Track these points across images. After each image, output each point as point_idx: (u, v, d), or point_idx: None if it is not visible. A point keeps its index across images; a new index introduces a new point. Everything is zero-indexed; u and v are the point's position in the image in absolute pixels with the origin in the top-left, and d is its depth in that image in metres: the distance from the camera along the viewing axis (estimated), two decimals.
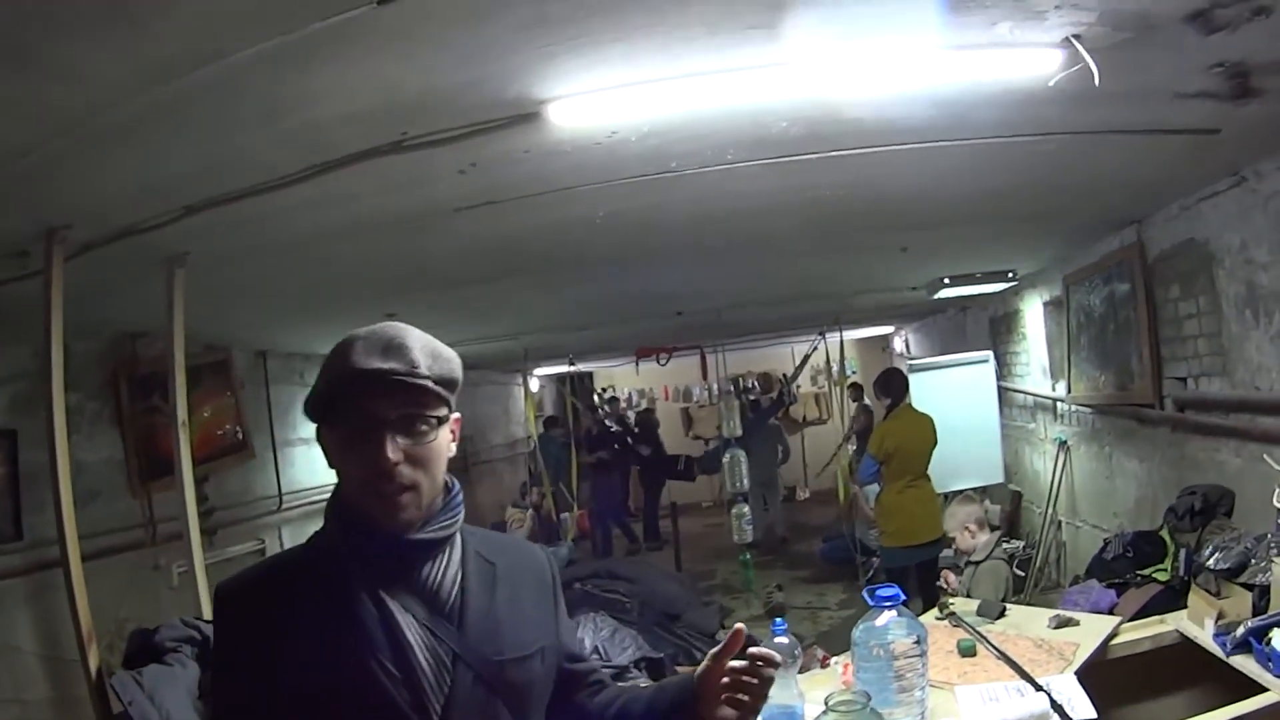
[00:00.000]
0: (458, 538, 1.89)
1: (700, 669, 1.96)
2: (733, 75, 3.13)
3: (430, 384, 1.75)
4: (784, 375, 15.11)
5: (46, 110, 2.82)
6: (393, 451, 1.69)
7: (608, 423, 16.19)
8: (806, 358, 13.82)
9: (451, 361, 1.85)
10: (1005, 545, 9.76)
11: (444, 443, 1.81)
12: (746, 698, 1.89)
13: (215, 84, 2.75)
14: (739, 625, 1.97)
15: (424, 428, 1.76)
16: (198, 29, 2.45)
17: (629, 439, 15.38)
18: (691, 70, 3.07)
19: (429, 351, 1.80)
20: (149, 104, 2.83)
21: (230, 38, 2.52)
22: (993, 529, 6.41)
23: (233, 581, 1.83)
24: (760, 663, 1.89)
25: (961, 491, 7.97)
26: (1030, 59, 3.18)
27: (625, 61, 2.96)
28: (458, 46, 2.77)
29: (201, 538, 5.36)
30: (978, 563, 6.09)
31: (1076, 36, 3.01)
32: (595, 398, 18.96)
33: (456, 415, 1.86)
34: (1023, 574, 9.24)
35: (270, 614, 1.73)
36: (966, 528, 6.24)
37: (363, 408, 1.71)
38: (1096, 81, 3.10)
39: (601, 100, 3.21)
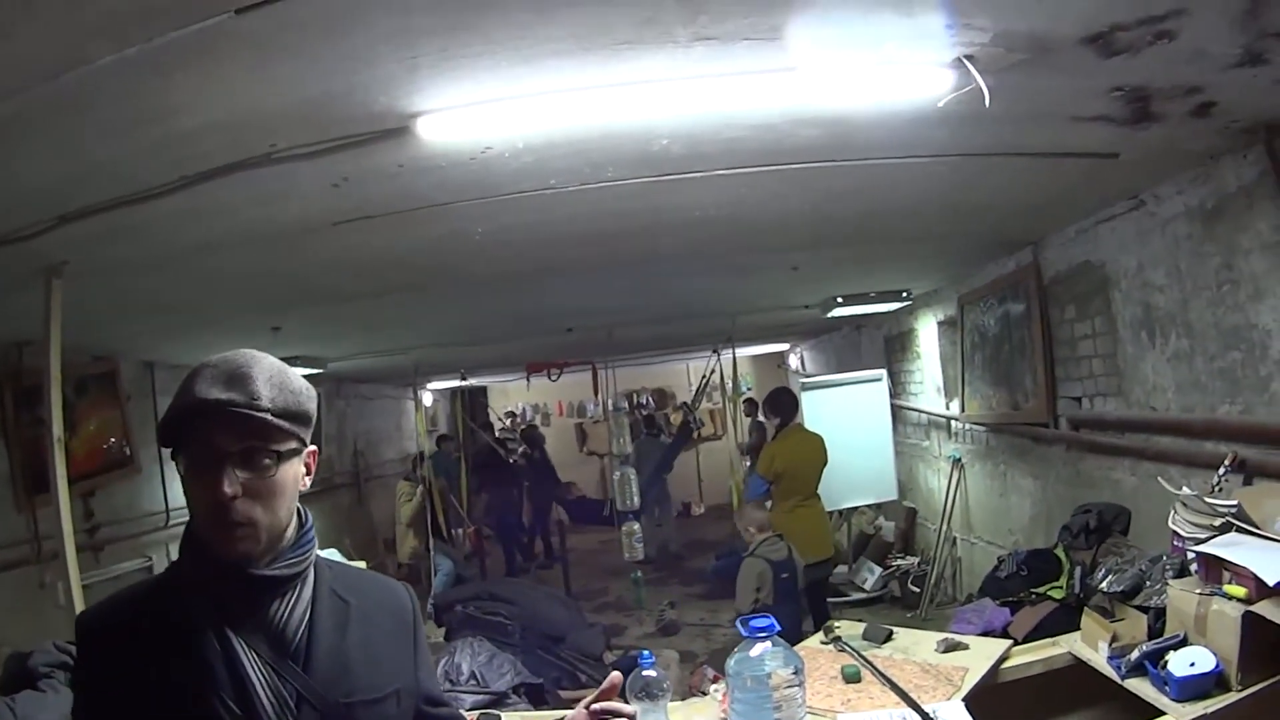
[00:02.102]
0: (310, 574, 1.82)
1: (569, 716, 1.94)
2: (608, 91, 3.05)
3: (270, 417, 1.67)
4: (685, 404, 15.04)
5: None
6: (229, 485, 1.62)
7: (502, 439, 16.10)
8: (705, 381, 13.82)
9: (299, 394, 1.77)
10: (899, 562, 9.88)
11: (289, 477, 1.74)
12: None
13: (81, 91, 2.65)
14: (615, 674, 2.00)
15: (266, 461, 1.68)
16: (59, 33, 2.35)
17: (513, 457, 15.21)
18: (563, 86, 2.99)
19: (276, 384, 1.72)
20: (12, 112, 2.72)
21: (92, 43, 2.40)
22: (765, 531, 6.85)
23: (89, 614, 1.78)
24: (611, 716, 1.90)
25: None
26: (920, 79, 3.09)
27: (493, 76, 2.86)
28: (321, 57, 2.67)
29: (88, 554, 5.13)
30: (744, 556, 6.84)
31: (969, 57, 2.93)
32: (491, 414, 18.92)
33: (311, 448, 1.82)
34: (918, 590, 9.32)
35: (120, 649, 1.68)
36: (749, 528, 6.91)
37: (204, 439, 1.65)
38: (988, 103, 3.03)
39: (471, 115, 3.12)
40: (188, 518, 1.74)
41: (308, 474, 1.80)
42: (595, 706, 1.90)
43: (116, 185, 3.51)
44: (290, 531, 1.76)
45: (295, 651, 1.72)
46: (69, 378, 4.95)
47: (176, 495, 8.21)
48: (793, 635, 4.66)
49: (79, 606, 4.30)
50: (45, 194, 3.53)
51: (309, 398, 1.79)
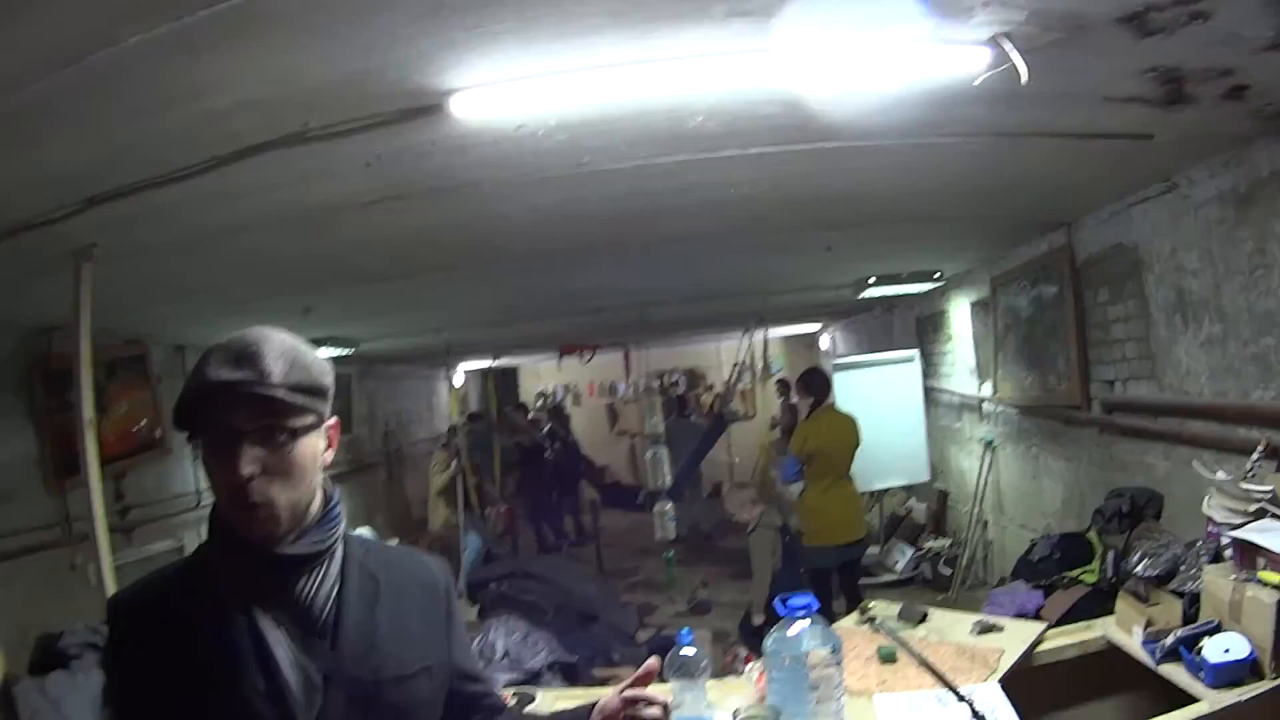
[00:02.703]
0: (338, 550, 1.82)
1: (602, 702, 1.95)
2: (641, 67, 3.03)
3: (283, 393, 1.67)
4: (720, 395, 14.95)
5: None
6: (246, 465, 1.63)
7: (535, 419, 16.13)
8: (737, 371, 13.76)
9: (312, 368, 1.76)
10: (931, 544, 9.87)
11: (308, 453, 1.73)
12: None
13: (109, 73, 2.64)
14: (652, 659, 2.02)
15: (283, 438, 1.68)
16: (88, 15, 2.35)
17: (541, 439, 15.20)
18: (597, 62, 2.97)
19: (288, 359, 1.71)
20: (43, 93, 2.72)
21: (121, 24, 2.41)
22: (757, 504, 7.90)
23: (121, 595, 1.81)
24: (643, 703, 1.92)
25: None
26: (956, 57, 3.08)
27: (526, 53, 2.86)
28: (353, 35, 2.67)
29: (119, 536, 5.17)
30: (750, 532, 7.91)
31: (1004, 35, 2.92)
32: (522, 396, 18.95)
33: (332, 421, 1.80)
34: (949, 572, 9.31)
35: (150, 629, 1.70)
36: (743, 507, 7.80)
37: (219, 420, 1.65)
38: (1024, 81, 3.01)
39: (505, 92, 3.09)
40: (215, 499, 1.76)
41: (329, 448, 1.80)
42: (629, 693, 1.93)
43: (146, 167, 3.51)
44: (315, 508, 1.77)
45: (322, 629, 1.74)
46: (99, 361, 4.98)
47: (207, 477, 8.39)
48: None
49: (110, 588, 4.36)
50: (74, 177, 3.54)
51: (323, 371, 1.78)
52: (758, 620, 8.16)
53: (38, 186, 3.57)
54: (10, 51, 2.48)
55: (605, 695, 1.96)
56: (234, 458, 1.62)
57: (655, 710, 1.90)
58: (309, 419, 1.72)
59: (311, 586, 1.75)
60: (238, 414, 1.64)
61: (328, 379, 1.78)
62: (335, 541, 1.80)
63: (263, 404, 1.65)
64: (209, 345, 1.70)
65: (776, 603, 2.98)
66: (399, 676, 1.80)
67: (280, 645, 1.68)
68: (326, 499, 1.81)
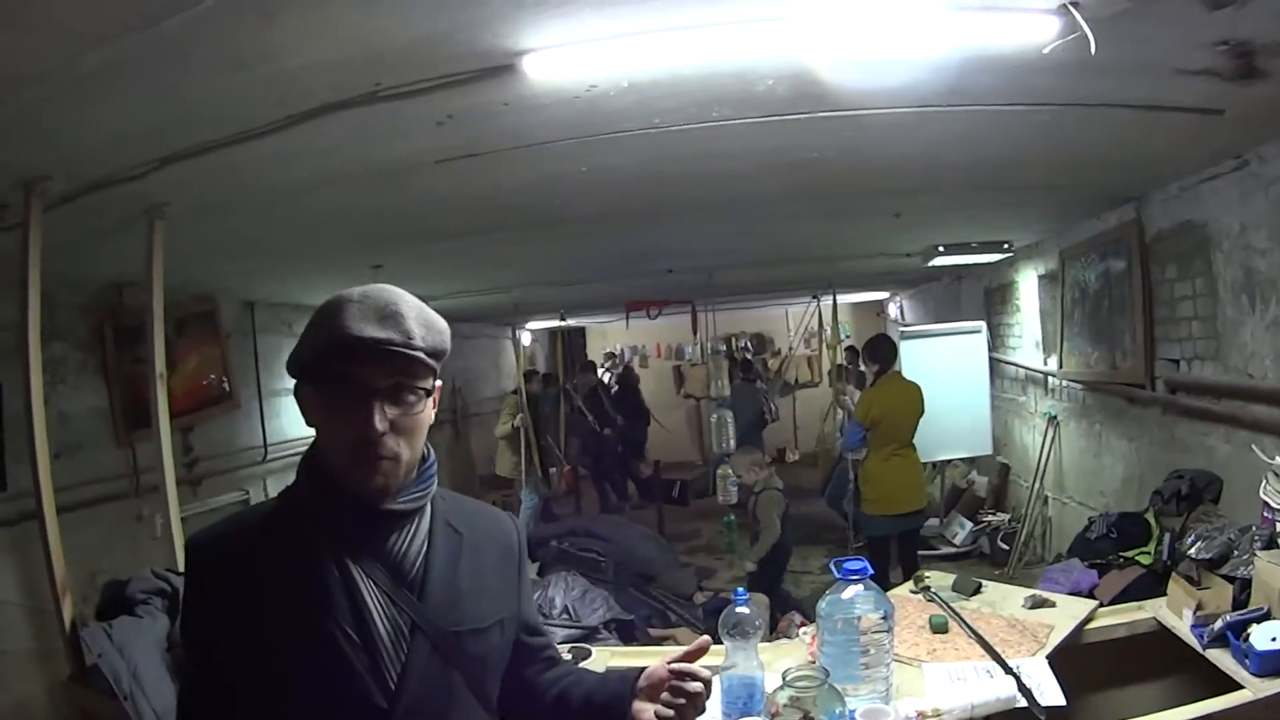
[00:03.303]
0: (428, 506, 1.89)
1: (650, 669, 2.00)
2: (713, 30, 3.04)
3: (423, 355, 1.75)
4: (765, 394, 14.76)
5: (16, 61, 2.76)
6: (380, 421, 1.69)
7: (604, 380, 16.19)
8: (803, 335, 13.58)
9: (443, 333, 1.84)
10: (990, 518, 9.84)
11: (429, 414, 1.82)
12: (676, 708, 1.92)
13: (184, 34, 2.68)
14: (704, 638, 2.06)
15: (412, 398, 1.75)
16: None
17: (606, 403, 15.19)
18: (668, 25, 2.99)
19: (423, 321, 1.78)
20: (119, 54, 2.76)
21: None
22: (761, 468, 8.27)
23: (203, 536, 1.83)
24: (688, 678, 1.94)
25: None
26: (1025, 24, 3.07)
27: (598, 14, 2.87)
28: None
29: (186, 488, 5.29)
30: (758, 493, 7.99)
31: (1074, 4, 2.90)
32: (590, 355, 18.99)
33: (438, 383, 1.85)
34: (1007, 547, 9.28)
35: (235, 572, 1.74)
36: (750, 470, 8.22)
37: (354, 374, 1.70)
38: (1093, 50, 2.99)
39: (577, 53, 3.12)
40: (308, 447, 1.83)
41: (434, 408, 1.84)
42: (677, 666, 1.96)
43: (218, 127, 3.56)
44: (415, 467, 1.83)
45: (411, 582, 1.80)
46: (169, 317, 5.06)
47: (275, 430, 8.56)
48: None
49: (178, 539, 4.50)
50: (147, 136, 3.59)
51: (449, 335, 1.85)
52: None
53: (113, 146, 3.64)
54: (88, 13, 2.53)
55: (653, 664, 2.01)
56: (367, 413, 1.68)
57: (698, 685, 1.93)
58: (434, 381, 1.81)
59: (404, 541, 1.82)
60: (374, 371, 1.70)
61: (449, 343, 1.85)
62: (428, 499, 1.87)
63: (401, 363, 1.71)
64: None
65: (832, 563, 3.03)
66: (477, 629, 1.87)
67: (371, 595, 1.74)
68: (423, 458, 1.86)
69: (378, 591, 1.75)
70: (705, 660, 2.02)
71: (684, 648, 2.01)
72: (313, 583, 1.71)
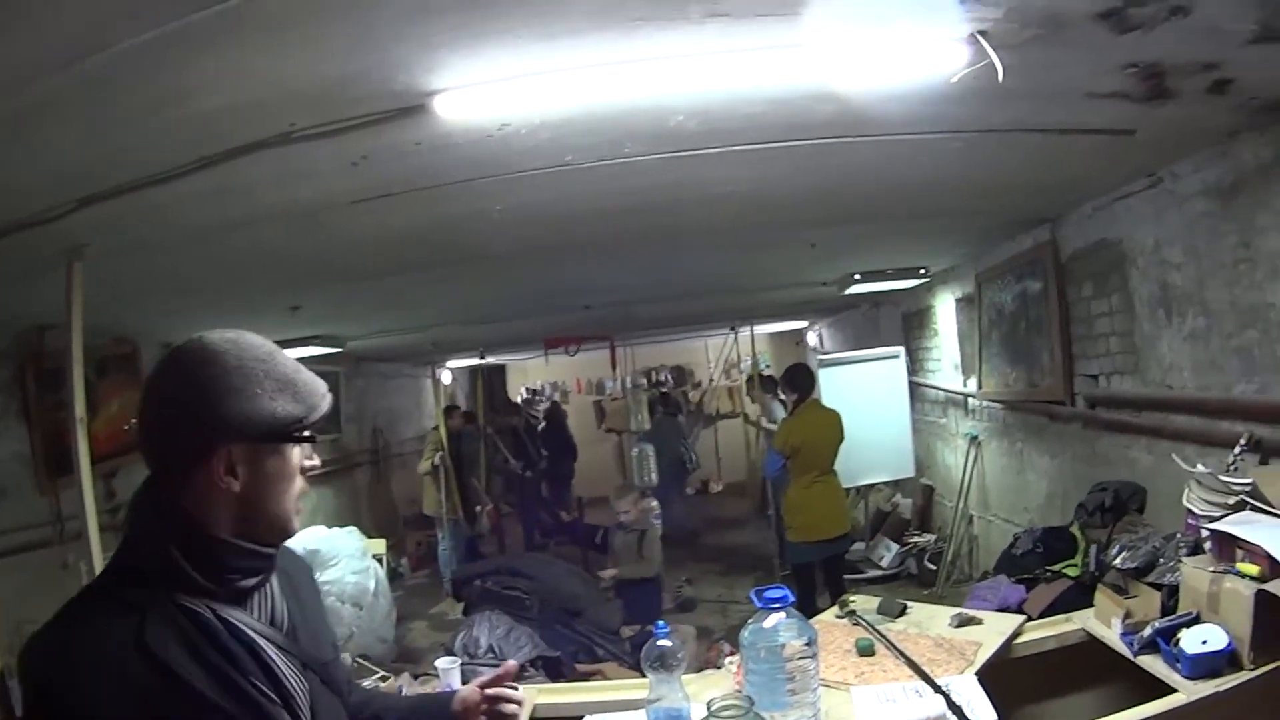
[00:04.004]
0: None
1: (463, 693, 2.10)
2: (623, 68, 3.04)
3: None
4: (685, 445, 14.64)
5: None
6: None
7: (524, 418, 16.11)
8: (722, 367, 13.58)
9: None
10: (916, 539, 9.90)
11: None
12: None
13: (100, 76, 2.66)
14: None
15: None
16: (81, 20, 2.36)
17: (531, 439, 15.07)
18: (579, 63, 2.99)
19: None
20: (37, 95, 2.74)
21: (113, 28, 2.42)
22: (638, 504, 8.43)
23: (58, 672, 1.53)
24: (503, 700, 2.06)
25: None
26: (934, 54, 3.07)
27: (509, 53, 2.86)
28: (339, 37, 2.68)
29: (110, 534, 5.14)
30: (643, 531, 8.30)
31: (982, 33, 2.91)
32: (511, 393, 18.95)
33: None
34: (934, 567, 9.34)
35: (128, 695, 1.50)
36: (633, 507, 8.43)
37: (314, 433, 1.76)
38: (1000, 78, 3.01)
39: (488, 92, 3.11)
40: (164, 521, 1.66)
41: None
42: (490, 691, 2.05)
43: (137, 167, 3.52)
44: None
45: (282, 624, 1.77)
46: (90, 359, 4.99)
47: None
48: None
49: None
50: (67, 177, 3.54)
51: None
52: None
53: (32, 187, 3.59)
54: (6, 55, 2.48)
55: (465, 689, 2.10)
56: (313, 459, 1.77)
57: (514, 707, 2.05)
58: None
59: (271, 587, 1.78)
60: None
61: None
62: None
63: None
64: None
65: (752, 593, 2.99)
66: (333, 659, 1.90)
67: (269, 646, 1.68)
68: None
69: (269, 643, 1.69)
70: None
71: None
72: (224, 657, 1.60)
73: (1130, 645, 3.36)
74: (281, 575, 1.83)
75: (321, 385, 1.78)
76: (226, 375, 1.65)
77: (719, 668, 3.95)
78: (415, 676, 4.31)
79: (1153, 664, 3.22)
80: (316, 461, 1.78)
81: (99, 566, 4.45)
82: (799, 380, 8.12)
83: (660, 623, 2.90)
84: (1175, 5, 2.78)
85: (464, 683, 3.17)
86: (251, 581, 1.71)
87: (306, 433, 1.73)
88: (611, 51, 2.92)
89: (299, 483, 1.73)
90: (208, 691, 1.55)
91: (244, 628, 1.64)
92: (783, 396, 9.65)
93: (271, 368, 1.70)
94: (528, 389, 19.58)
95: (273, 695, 1.63)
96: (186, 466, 1.66)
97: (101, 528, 4.80)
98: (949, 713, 2.91)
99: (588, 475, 16.34)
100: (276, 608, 1.76)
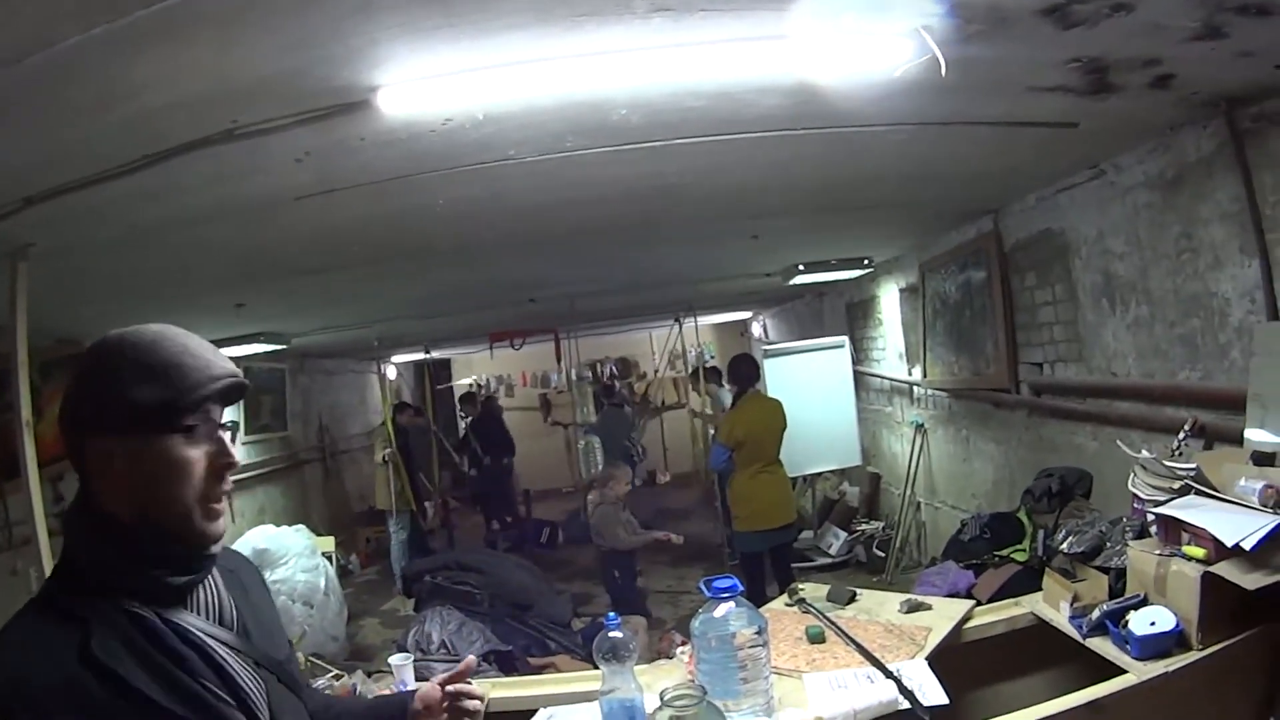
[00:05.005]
0: None
1: (422, 691, 2.09)
2: (566, 62, 3.04)
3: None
4: (631, 437, 14.59)
5: None
6: (235, 455, 1.67)
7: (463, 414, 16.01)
8: (668, 358, 13.57)
9: None
10: (864, 526, 9.95)
11: None
12: None
13: (45, 74, 2.63)
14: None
15: (232, 431, 1.75)
16: (25, 15, 2.33)
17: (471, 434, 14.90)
18: (522, 57, 2.98)
19: None
20: None
21: (57, 26, 2.40)
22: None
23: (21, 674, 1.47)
24: (463, 696, 2.07)
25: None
26: (879, 49, 3.09)
27: (453, 48, 2.86)
28: (282, 33, 2.65)
29: (59, 539, 5.04)
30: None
31: (926, 28, 2.93)
32: (456, 387, 18.80)
33: None
34: (883, 554, 9.39)
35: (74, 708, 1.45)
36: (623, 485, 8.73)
37: (211, 415, 1.65)
38: (943, 73, 3.04)
39: (431, 87, 3.11)
40: (82, 527, 1.64)
41: None
42: (450, 688, 2.06)
43: (81, 166, 3.49)
44: None
45: (233, 623, 1.73)
46: (35, 362, 4.88)
47: None
48: None
49: None
50: (10, 176, 3.50)
51: None
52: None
53: None
54: None
55: (425, 687, 2.09)
56: (224, 447, 1.64)
57: (476, 703, 2.06)
58: None
59: (216, 586, 1.74)
60: (220, 409, 1.67)
61: None
62: None
63: (236, 395, 1.69)
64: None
65: (701, 583, 3.00)
66: (285, 658, 1.85)
67: (220, 647, 1.65)
68: None
69: (219, 643, 1.65)
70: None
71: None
72: (172, 660, 1.55)
73: (1079, 628, 3.38)
74: (228, 575, 1.80)
75: (220, 368, 1.65)
76: (92, 369, 1.65)
77: (671, 658, 3.94)
78: (369, 674, 4.27)
79: (1102, 646, 3.24)
80: (234, 457, 1.66)
81: (49, 571, 4.37)
82: (741, 372, 8.12)
83: (612, 614, 2.90)
84: (1118, 2, 2.83)
85: (418, 679, 3.15)
86: (182, 580, 1.63)
87: (181, 420, 1.60)
88: (555, 46, 2.92)
89: (198, 478, 1.60)
90: (157, 697, 1.50)
91: (191, 629, 1.61)
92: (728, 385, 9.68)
93: (141, 355, 1.62)
94: (472, 382, 19.42)
95: (226, 696, 1.59)
96: (78, 467, 1.63)
97: (50, 532, 4.72)
98: (901, 697, 2.94)
99: (536, 469, 16.31)
100: (225, 607, 1.72)
